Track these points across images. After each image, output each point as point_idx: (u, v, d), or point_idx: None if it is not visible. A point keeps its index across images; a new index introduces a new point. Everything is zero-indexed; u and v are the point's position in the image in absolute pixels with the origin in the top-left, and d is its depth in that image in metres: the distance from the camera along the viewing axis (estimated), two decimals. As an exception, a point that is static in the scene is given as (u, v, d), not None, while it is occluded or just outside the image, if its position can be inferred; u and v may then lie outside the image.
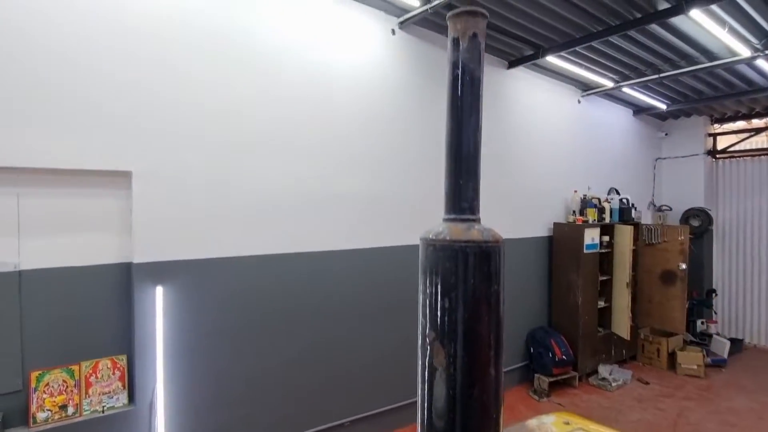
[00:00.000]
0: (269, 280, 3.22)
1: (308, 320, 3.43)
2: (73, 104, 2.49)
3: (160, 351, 2.73)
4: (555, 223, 5.39)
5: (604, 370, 5.22)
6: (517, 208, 5.04)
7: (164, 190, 2.79)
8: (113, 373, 2.66)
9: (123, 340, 2.72)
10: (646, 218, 7.04)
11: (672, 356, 5.61)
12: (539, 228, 5.34)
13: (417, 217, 4.00)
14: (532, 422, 1.12)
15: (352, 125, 3.65)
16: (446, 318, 0.51)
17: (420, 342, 0.55)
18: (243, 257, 3.10)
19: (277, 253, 3.25)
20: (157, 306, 2.72)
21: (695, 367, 5.41)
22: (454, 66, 0.60)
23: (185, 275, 2.86)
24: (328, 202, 3.51)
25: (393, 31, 3.91)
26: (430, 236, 0.54)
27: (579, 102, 5.86)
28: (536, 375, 4.88)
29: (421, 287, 0.55)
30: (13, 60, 2.32)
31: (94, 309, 2.63)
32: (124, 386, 2.68)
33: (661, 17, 3.70)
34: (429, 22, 4.00)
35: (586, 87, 5.77)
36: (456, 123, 0.56)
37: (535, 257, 5.31)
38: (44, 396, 2.45)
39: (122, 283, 2.71)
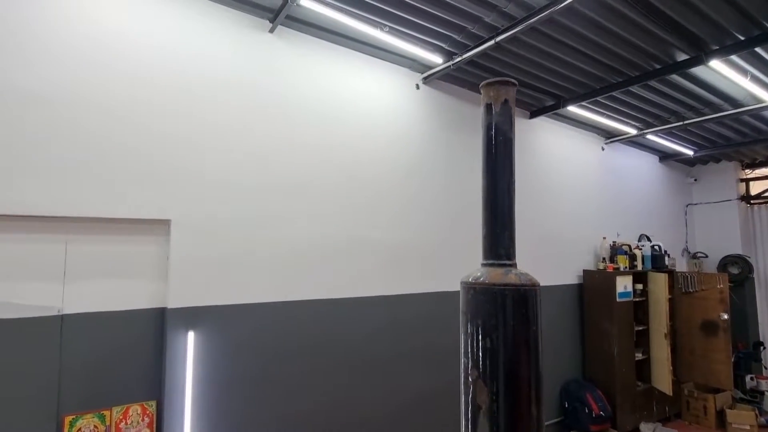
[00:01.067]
0: (294, 325, 3.24)
1: (332, 365, 3.39)
2: (117, 157, 2.68)
3: (189, 396, 2.74)
4: (585, 271, 5.28)
5: (646, 428, 4.89)
6: (545, 255, 4.98)
7: (198, 238, 2.90)
8: (142, 420, 2.67)
9: (153, 385, 2.75)
10: (681, 266, 6.81)
11: (720, 414, 5.21)
12: (568, 275, 5.23)
13: (440, 264, 4.00)
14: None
15: (377, 176, 3.77)
16: (488, 358, 0.54)
17: (462, 381, 0.57)
18: (269, 303, 3.14)
19: (301, 300, 3.29)
20: (188, 350, 2.76)
21: (748, 427, 5.00)
22: (488, 128, 0.66)
23: (215, 320, 2.91)
24: (353, 250, 3.57)
25: (417, 86, 4.11)
26: (471, 280, 0.57)
27: (603, 149, 5.89)
28: (572, 432, 4.61)
29: (462, 328, 0.58)
30: (64, 119, 2.55)
31: (128, 353, 2.69)
32: (151, 433, 2.68)
33: (681, 68, 3.78)
34: (451, 77, 4.19)
35: (609, 134, 5.82)
36: (492, 179, 0.61)
37: (565, 305, 5.16)
38: (75, 441, 2.47)
39: (156, 327, 2.78)
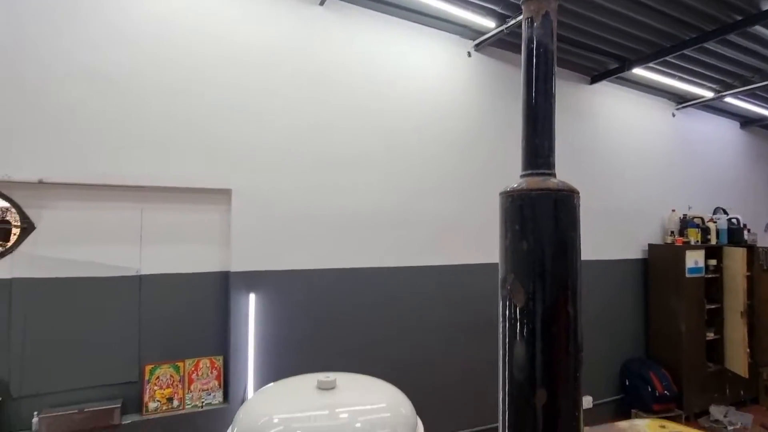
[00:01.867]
0: (345, 291, 3.35)
1: (381, 331, 3.48)
2: (181, 131, 2.87)
3: (251, 353, 2.95)
4: (650, 245, 4.98)
5: (717, 411, 4.60)
6: (607, 228, 4.74)
7: (258, 206, 3.07)
8: (211, 372, 2.91)
9: (220, 341, 2.98)
10: (763, 241, 6.22)
11: (805, 402, 4.79)
12: (632, 250, 4.96)
13: (491, 237, 3.94)
14: (623, 423, 1.06)
15: (428, 145, 3.76)
16: (524, 260, 0.55)
17: (500, 284, 0.58)
18: (322, 270, 3.27)
19: (352, 267, 3.39)
20: (250, 311, 2.96)
21: (837, 416, 4.56)
22: (529, 42, 0.65)
23: (273, 284, 3.08)
24: (403, 220, 3.61)
25: (468, 54, 4.01)
26: (509, 189, 0.58)
27: (673, 115, 5.46)
28: (633, 410, 4.43)
29: (501, 237, 0.59)
30: (136, 96, 2.76)
31: (197, 312, 2.93)
32: (220, 385, 2.92)
33: (767, 18, 3.40)
34: (504, 43, 4.04)
35: (681, 99, 5.38)
36: (531, 90, 0.61)
37: (628, 281, 4.92)
38: (155, 388, 2.75)
39: (221, 289, 3.00)
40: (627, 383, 4.58)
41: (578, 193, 0.57)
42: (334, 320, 3.29)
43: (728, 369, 4.81)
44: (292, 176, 3.20)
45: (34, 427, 2.44)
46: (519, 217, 0.56)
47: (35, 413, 2.46)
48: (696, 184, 5.60)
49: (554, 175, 0.58)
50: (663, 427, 1.05)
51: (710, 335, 4.82)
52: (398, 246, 3.57)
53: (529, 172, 0.58)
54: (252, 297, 2.98)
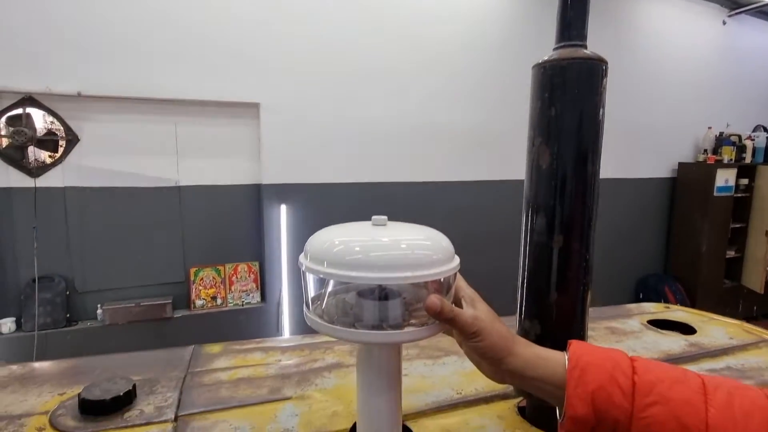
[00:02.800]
0: (371, 204, 3.48)
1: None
2: (214, 45, 2.86)
3: (284, 259, 3.17)
4: (680, 164, 4.87)
5: (727, 325, 4.77)
6: (637, 145, 4.61)
7: (286, 120, 3.11)
8: (249, 275, 3.17)
9: (256, 248, 3.20)
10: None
11: (818, 318, 4.90)
12: (661, 168, 4.87)
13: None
14: (631, 305, 1.17)
15: (455, 58, 3.63)
16: (551, 124, 0.60)
17: (528, 148, 0.65)
18: (348, 183, 3.37)
19: (378, 182, 3.47)
20: (281, 221, 3.13)
21: None
22: None
23: (302, 196, 3.22)
24: (430, 134, 3.60)
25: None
26: (541, 61, 0.62)
27: (724, 23, 5.03)
28: (644, 322, 4.64)
29: (531, 107, 0.64)
30: (168, 12, 2.73)
31: (233, 222, 3.12)
32: (257, 287, 3.19)
33: None
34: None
35: (734, 4, 4.91)
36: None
37: (653, 200, 4.89)
38: (200, 288, 3.03)
39: (254, 200, 3.16)
40: (641, 296, 4.75)
41: (606, 62, 0.61)
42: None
43: (744, 285, 4.90)
44: (320, 91, 3.20)
45: (98, 317, 2.78)
46: (549, 85, 0.60)
47: (99, 305, 2.78)
48: (738, 100, 5.29)
49: (585, 47, 0.61)
50: (667, 307, 1.15)
51: (731, 253, 4.85)
52: (425, 160, 3.62)
53: (562, 44, 0.62)
54: (283, 208, 3.14)
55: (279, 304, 3.19)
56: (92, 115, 2.71)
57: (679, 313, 1.12)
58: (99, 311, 2.78)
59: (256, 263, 3.19)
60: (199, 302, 3.03)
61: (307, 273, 0.50)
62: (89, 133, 2.71)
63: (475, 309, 0.49)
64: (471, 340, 0.47)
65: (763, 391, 0.41)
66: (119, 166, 2.79)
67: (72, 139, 2.66)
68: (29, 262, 2.58)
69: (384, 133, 3.45)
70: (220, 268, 3.09)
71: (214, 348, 0.86)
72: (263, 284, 3.21)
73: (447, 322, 0.47)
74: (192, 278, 3.01)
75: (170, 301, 2.90)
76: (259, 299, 3.20)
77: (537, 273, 0.62)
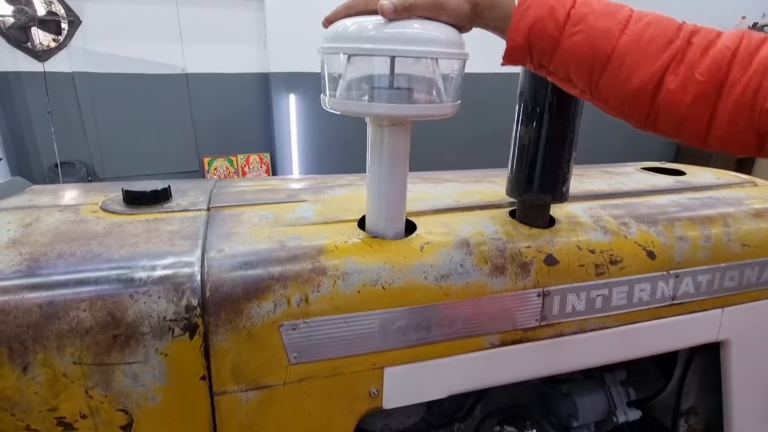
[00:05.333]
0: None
1: (414, 136, 3.65)
2: None
3: (295, 150, 3.23)
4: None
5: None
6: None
7: (292, 2, 2.96)
8: (261, 166, 3.25)
9: (266, 139, 3.25)
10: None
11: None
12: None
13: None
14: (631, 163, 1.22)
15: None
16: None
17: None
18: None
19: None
20: (291, 111, 3.13)
21: None
22: None
23: (312, 86, 3.18)
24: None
25: None
26: None
27: None
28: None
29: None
30: None
31: (243, 112, 3.13)
32: (270, 178, 3.29)
33: None
34: None
35: None
36: None
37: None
38: (214, 177, 3.14)
39: (262, 90, 3.13)
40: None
41: None
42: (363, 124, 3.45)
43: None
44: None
45: (122, 203, 2.92)
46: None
47: (121, 192, 2.91)
48: (780, -13, 4.84)
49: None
50: (664, 164, 1.20)
51: (744, 154, 4.80)
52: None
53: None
54: (292, 98, 3.12)
55: (291, 194, 3.31)
56: (91, -5, 2.61)
57: (676, 166, 1.17)
58: (121, 197, 2.92)
59: (267, 154, 3.26)
60: (214, 191, 3.15)
61: (325, 55, 0.54)
62: (91, 15, 2.63)
63: None
64: (439, 11, 0.48)
65: (717, 32, 0.43)
66: (124, 51, 2.75)
67: (74, 21, 2.60)
68: (49, 148, 2.67)
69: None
70: (233, 158, 3.17)
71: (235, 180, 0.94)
72: (275, 174, 3.30)
73: (406, 11, 0.47)
74: (206, 167, 3.11)
75: (187, 188, 3.02)
76: (271, 190, 3.32)
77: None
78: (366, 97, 0.54)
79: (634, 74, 0.43)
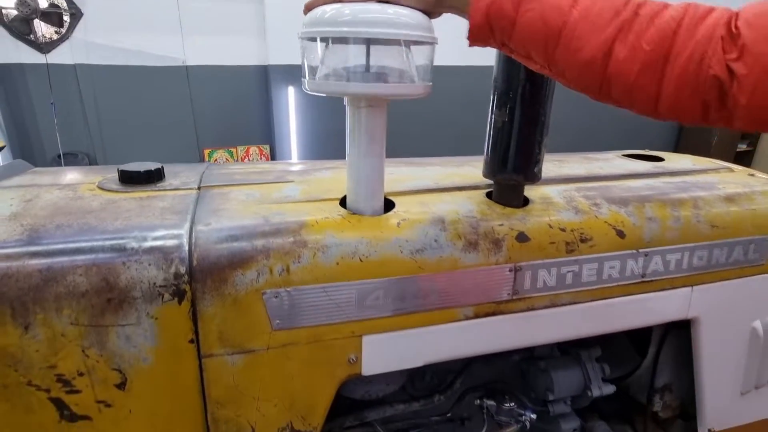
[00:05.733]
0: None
1: (417, 129, 3.67)
2: None
3: (294, 143, 3.26)
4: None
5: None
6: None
7: (290, -5, 2.99)
8: (260, 157, 3.29)
9: (266, 132, 3.29)
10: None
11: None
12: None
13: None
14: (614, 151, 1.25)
15: None
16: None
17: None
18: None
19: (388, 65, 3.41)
20: (290, 103, 3.16)
21: None
22: None
23: (311, 79, 3.20)
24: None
25: None
26: None
27: None
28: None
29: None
30: None
31: (243, 104, 3.17)
32: (269, 169, 3.33)
33: None
34: None
35: None
36: None
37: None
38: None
39: (262, 82, 3.16)
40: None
41: None
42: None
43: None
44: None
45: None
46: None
47: (122, 182, 2.96)
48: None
49: None
50: (646, 150, 1.23)
51: (742, 147, 4.81)
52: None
53: None
54: (291, 90, 3.15)
55: (290, 186, 3.35)
56: (92, -13, 2.64)
57: (658, 153, 1.20)
58: (123, 188, 2.97)
59: (267, 146, 3.30)
60: (215, 182, 3.20)
61: (304, 41, 0.58)
62: (92, 7, 2.66)
63: None
64: None
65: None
66: (126, 44, 2.78)
67: (75, 13, 2.63)
68: (52, 139, 2.72)
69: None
70: (233, 150, 3.21)
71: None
72: (275, 167, 3.34)
73: None
74: (207, 159, 3.15)
75: (188, 179, 3.06)
76: (271, 181, 3.35)
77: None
78: (343, 81, 0.58)
79: (585, 46, 0.46)
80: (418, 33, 0.55)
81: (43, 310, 0.50)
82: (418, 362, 0.68)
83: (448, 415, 0.89)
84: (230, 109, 3.14)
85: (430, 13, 0.55)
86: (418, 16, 0.54)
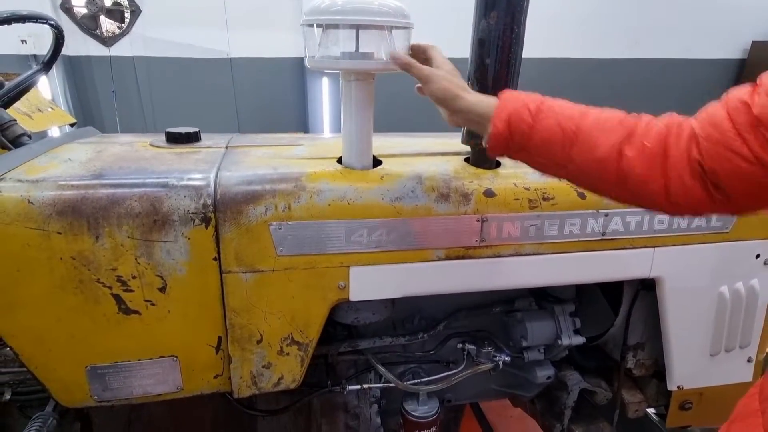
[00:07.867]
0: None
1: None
2: None
3: (327, 130, 3.45)
4: (755, 42, 4.39)
5: None
6: (694, 16, 4.03)
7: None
8: (296, 145, 3.50)
9: (301, 120, 3.49)
10: None
11: None
12: (727, 47, 4.33)
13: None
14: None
15: None
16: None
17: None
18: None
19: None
20: (324, 94, 3.35)
21: None
22: None
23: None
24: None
25: None
26: None
27: None
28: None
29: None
30: None
31: (280, 94, 3.39)
32: (304, 156, 3.54)
33: None
34: None
35: None
36: None
37: (710, 88, 4.52)
38: (254, 154, 3.42)
39: (298, 74, 3.36)
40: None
41: None
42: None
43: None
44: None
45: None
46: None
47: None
48: None
49: None
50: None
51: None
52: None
53: None
54: (325, 81, 3.33)
55: (323, 172, 3.55)
56: (150, -14, 2.92)
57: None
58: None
59: (302, 134, 3.50)
60: (253, 167, 3.44)
61: (305, 27, 0.73)
62: (149, 4, 2.94)
63: (437, 68, 0.67)
64: (426, 85, 0.66)
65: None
66: (178, 38, 3.05)
67: (135, 10, 2.92)
68: (113, 122, 3.03)
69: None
70: (271, 137, 3.43)
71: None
72: (309, 154, 3.54)
73: (404, 67, 0.67)
74: (246, 145, 3.39)
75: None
76: (305, 167, 3.57)
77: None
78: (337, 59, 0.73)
79: (600, 146, 0.56)
80: (398, 19, 0.69)
81: (108, 224, 0.68)
82: (398, 293, 0.82)
83: (432, 352, 1.02)
84: (269, 98, 3.36)
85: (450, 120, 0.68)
86: (397, 6, 0.68)
